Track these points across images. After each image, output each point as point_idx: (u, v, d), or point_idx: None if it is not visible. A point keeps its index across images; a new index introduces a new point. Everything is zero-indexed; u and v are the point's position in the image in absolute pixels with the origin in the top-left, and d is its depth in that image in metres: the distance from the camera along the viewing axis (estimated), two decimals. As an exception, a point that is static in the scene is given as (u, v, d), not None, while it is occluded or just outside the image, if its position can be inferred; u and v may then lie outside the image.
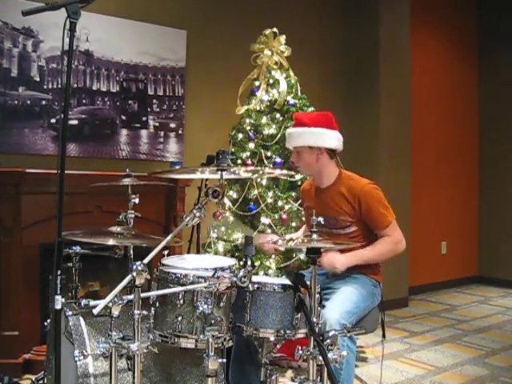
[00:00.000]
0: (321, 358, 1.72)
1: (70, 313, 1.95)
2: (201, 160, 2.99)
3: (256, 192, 3.43)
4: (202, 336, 1.68)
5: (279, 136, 3.50)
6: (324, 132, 2.46)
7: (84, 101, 3.71)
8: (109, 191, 3.07)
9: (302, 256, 3.26)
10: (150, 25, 3.95)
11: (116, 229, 2.19)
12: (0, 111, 3.35)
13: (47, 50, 3.50)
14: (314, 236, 1.90)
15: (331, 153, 2.50)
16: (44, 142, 3.51)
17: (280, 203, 3.41)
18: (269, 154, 3.52)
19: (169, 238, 1.71)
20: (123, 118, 3.88)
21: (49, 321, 2.21)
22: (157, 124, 4.03)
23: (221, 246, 3.47)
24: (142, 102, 3.97)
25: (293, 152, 2.56)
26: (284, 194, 3.44)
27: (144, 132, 3.98)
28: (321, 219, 1.96)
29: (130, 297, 1.62)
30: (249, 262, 1.74)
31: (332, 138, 2.48)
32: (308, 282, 1.82)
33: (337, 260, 2.28)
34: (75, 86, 3.65)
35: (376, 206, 2.38)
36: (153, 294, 1.76)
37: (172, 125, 4.11)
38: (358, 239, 2.41)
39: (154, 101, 4.02)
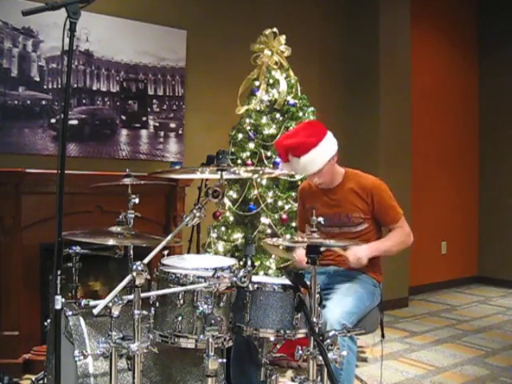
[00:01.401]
0: (321, 358, 1.72)
1: (70, 313, 1.95)
2: (201, 160, 3.00)
3: (256, 192, 3.43)
4: (201, 336, 1.68)
5: (279, 136, 3.50)
6: (328, 140, 2.46)
7: (84, 101, 3.71)
8: (109, 191, 3.07)
9: (302, 256, 3.25)
10: (150, 25, 3.95)
11: (116, 229, 2.19)
12: (0, 111, 3.35)
13: (47, 50, 3.50)
14: (315, 236, 1.90)
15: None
16: (44, 142, 3.51)
17: (280, 203, 3.41)
18: (269, 154, 3.52)
19: (169, 237, 1.72)
20: (123, 118, 3.88)
21: (49, 321, 2.21)
22: (157, 124, 4.03)
23: (221, 246, 3.47)
24: (142, 101, 3.97)
25: (310, 175, 2.45)
26: (284, 194, 3.44)
27: (144, 132, 3.98)
28: (321, 219, 1.96)
29: (130, 297, 1.62)
30: (249, 262, 1.74)
31: (333, 142, 2.49)
32: (308, 282, 1.82)
33: (360, 251, 2.29)
34: (75, 86, 3.65)
35: (388, 201, 2.46)
36: (153, 293, 1.76)
37: (172, 125, 4.11)
38: (369, 236, 2.44)
39: (154, 101, 4.02)
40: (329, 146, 2.44)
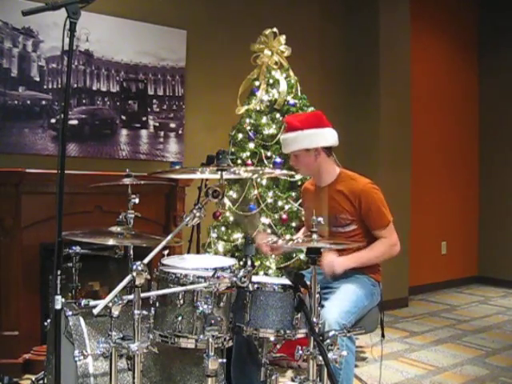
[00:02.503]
0: (321, 358, 1.72)
1: (70, 313, 1.95)
2: (201, 160, 3.00)
3: (256, 192, 3.43)
4: (201, 336, 1.68)
5: (279, 136, 3.50)
6: (317, 132, 2.48)
7: (84, 101, 3.71)
8: (109, 191, 3.08)
9: (302, 256, 3.26)
10: (150, 25, 3.95)
11: (116, 229, 2.19)
12: (0, 111, 3.35)
13: (47, 49, 3.50)
14: (314, 236, 1.90)
15: (327, 150, 2.52)
16: (44, 142, 3.51)
17: (280, 203, 3.41)
18: (269, 154, 3.52)
19: (169, 237, 1.71)
20: (123, 118, 3.88)
21: (49, 321, 2.21)
22: (157, 124, 4.03)
23: (221, 246, 3.47)
24: (142, 101, 3.97)
25: (291, 156, 2.57)
26: (284, 194, 3.44)
27: (144, 132, 3.98)
28: (321, 219, 1.96)
29: (130, 297, 1.62)
30: (249, 262, 1.74)
31: (326, 136, 2.50)
32: (308, 282, 1.82)
33: (336, 262, 2.29)
34: (75, 86, 3.65)
35: (376, 206, 2.40)
36: (153, 293, 1.76)
37: (172, 125, 4.11)
38: (357, 238, 2.42)
39: (154, 101, 4.02)
40: (312, 137, 2.47)
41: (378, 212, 2.40)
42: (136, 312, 1.60)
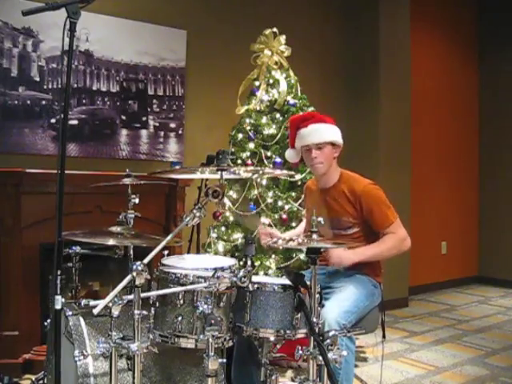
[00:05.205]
0: (321, 358, 1.72)
1: (70, 313, 1.95)
2: (201, 160, 3.00)
3: (256, 192, 3.43)
4: (201, 336, 1.68)
5: (279, 136, 3.50)
6: (337, 130, 2.52)
7: (84, 101, 3.71)
8: (109, 191, 3.07)
9: (302, 256, 3.26)
10: (150, 25, 3.95)
11: (116, 229, 2.19)
12: (0, 111, 3.35)
13: (47, 49, 3.50)
14: (314, 236, 1.90)
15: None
16: (44, 141, 3.51)
17: (280, 203, 3.41)
18: (269, 153, 3.52)
19: (169, 237, 1.71)
20: (123, 117, 3.88)
21: (49, 321, 2.21)
22: (157, 124, 4.03)
23: (221, 246, 3.47)
24: (142, 101, 3.96)
25: (312, 148, 2.46)
26: (284, 194, 3.44)
27: (144, 132, 3.98)
28: (320, 219, 1.96)
29: (130, 297, 1.62)
30: (249, 262, 1.74)
31: (340, 137, 2.52)
32: (308, 282, 1.82)
33: (343, 254, 2.28)
34: (75, 86, 3.65)
35: (377, 207, 2.38)
36: (153, 293, 1.76)
37: (172, 125, 4.11)
38: (359, 240, 2.40)
39: (154, 101, 4.02)
40: (337, 133, 2.50)
41: (380, 213, 2.38)
42: (136, 312, 1.60)
